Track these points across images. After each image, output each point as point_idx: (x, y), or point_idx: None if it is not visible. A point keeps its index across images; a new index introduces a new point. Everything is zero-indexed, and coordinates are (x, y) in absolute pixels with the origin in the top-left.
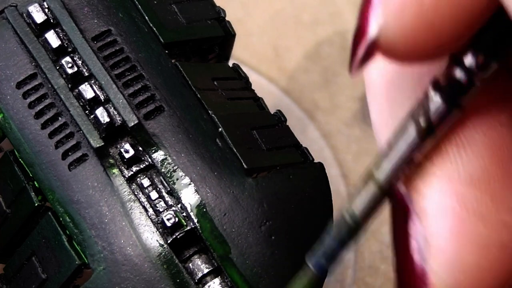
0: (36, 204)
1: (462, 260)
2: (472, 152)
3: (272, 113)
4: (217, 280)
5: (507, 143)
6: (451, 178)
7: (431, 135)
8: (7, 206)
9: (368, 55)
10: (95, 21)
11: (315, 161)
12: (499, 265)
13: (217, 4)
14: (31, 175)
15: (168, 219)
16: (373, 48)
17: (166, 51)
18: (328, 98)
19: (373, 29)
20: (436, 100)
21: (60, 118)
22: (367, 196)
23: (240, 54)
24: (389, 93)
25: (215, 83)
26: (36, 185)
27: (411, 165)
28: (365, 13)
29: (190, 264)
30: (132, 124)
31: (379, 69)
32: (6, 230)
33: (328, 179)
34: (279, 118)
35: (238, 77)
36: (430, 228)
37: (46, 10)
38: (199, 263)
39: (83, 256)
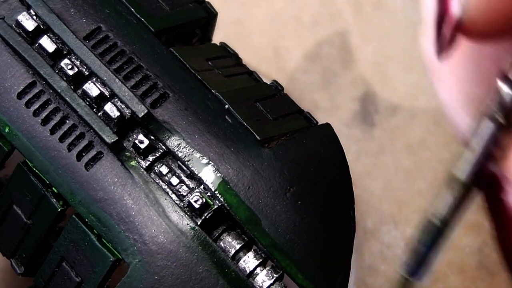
0: (59, 210)
1: None
2: None
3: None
4: (250, 254)
5: None
6: None
7: (508, 127)
8: (28, 217)
9: (453, 36)
10: (84, 20)
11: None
12: None
13: (217, 4)
14: (48, 182)
15: (195, 201)
16: (458, 28)
17: (158, 39)
18: (328, 98)
19: (456, 10)
20: (507, 92)
21: (67, 121)
22: (451, 196)
23: (240, 55)
24: (459, 75)
25: (210, 63)
26: (55, 190)
27: (492, 160)
28: None
29: (221, 243)
30: (142, 114)
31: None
32: (30, 240)
33: (338, 137)
34: (276, 87)
35: (228, 54)
36: None
37: (35, 17)
38: (230, 240)
39: (116, 252)
